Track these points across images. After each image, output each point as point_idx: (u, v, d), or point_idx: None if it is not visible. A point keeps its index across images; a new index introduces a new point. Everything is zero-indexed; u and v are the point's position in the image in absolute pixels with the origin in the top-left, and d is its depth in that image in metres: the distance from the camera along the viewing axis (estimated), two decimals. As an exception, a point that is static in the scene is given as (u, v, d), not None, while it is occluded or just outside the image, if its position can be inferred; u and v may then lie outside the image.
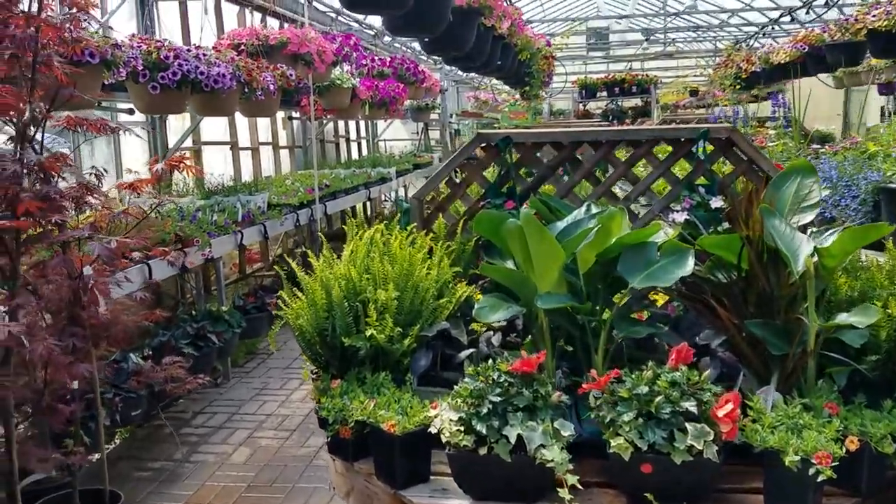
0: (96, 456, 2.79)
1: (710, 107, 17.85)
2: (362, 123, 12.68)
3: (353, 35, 6.70)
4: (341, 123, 11.63)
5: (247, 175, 7.99)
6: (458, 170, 2.83)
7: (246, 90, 4.86)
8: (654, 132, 2.76)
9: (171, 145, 6.21)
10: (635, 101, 16.32)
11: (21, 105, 2.00)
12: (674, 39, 13.00)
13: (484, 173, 2.85)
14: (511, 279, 2.19)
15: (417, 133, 13.82)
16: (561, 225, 2.31)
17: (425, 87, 10.03)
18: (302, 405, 4.36)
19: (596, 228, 2.18)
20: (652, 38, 12.16)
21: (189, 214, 4.74)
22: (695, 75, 21.67)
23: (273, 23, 7.75)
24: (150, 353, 3.99)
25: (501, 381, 1.87)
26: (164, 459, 3.66)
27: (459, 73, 20.12)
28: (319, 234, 6.56)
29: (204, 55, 4.16)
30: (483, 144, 2.70)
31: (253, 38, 5.46)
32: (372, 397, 2.08)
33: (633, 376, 1.85)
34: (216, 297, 5.11)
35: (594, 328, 2.21)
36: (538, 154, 2.76)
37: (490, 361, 1.94)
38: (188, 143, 6.62)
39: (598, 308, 2.24)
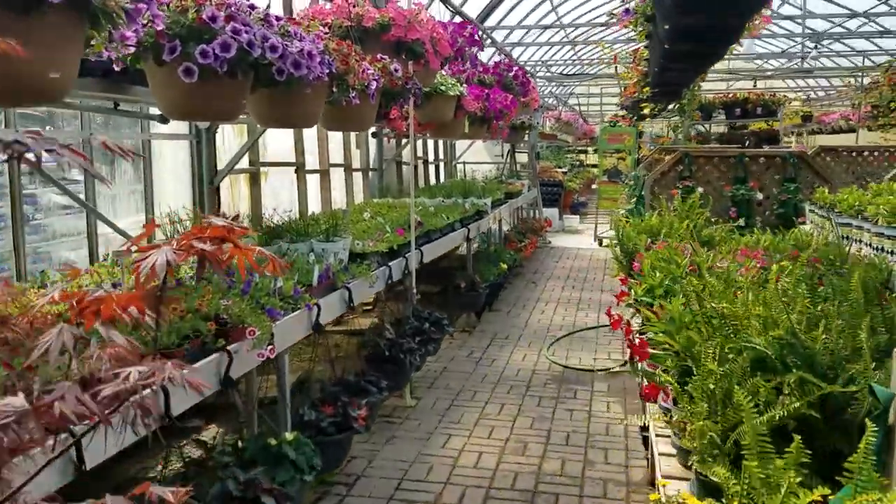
0: None
1: (812, 134, 15.54)
2: (440, 143, 10.99)
3: (470, 23, 4.96)
4: (419, 143, 9.95)
5: (314, 204, 6.31)
6: None
7: (335, 88, 3.14)
8: None
9: (221, 166, 4.55)
10: (725, 124, 14.23)
11: None
12: (816, 47, 10.94)
13: None
14: None
15: (502, 156, 12.05)
16: None
17: (525, 101, 8.30)
18: None
19: None
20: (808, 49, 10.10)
21: (241, 280, 3.01)
22: (804, 98, 19.40)
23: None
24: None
25: None
26: None
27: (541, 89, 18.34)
28: (415, 290, 4.80)
29: (277, 19, 2.44)
30: None
31: (343, 16, 3.76)
32: None
33: None
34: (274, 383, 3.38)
35: None
36: None
37: None
38: (244, 162, 4.97)
39: None
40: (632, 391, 4.84)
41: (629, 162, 12.05)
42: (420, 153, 10.02)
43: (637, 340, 2.31)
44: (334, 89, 3.23)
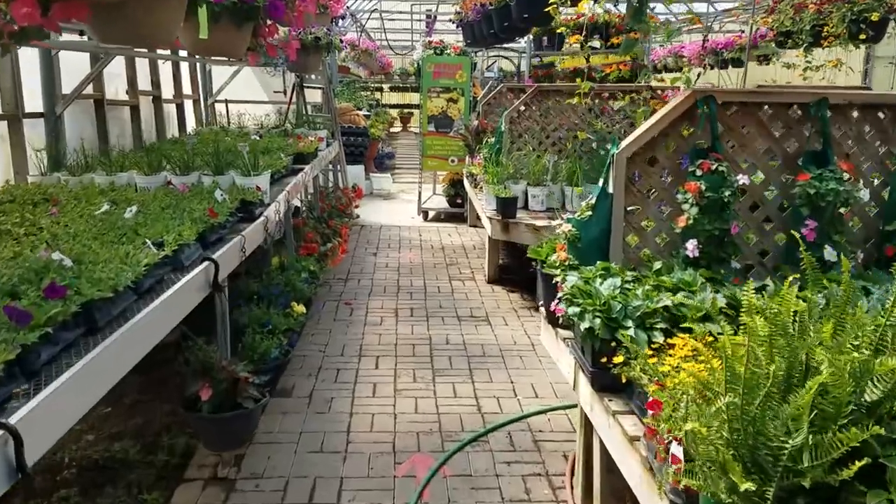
0: None
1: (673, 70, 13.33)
2: (185, 68, 6.96)
3: None
4: (143, 66, 5.91)
5: None
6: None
7: None
8: None
9: None
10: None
11: None
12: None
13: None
14: None
15: (284, 92, 8.25)
16: None
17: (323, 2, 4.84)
18: None
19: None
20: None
21: None
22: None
23: None
24: None
25: None
26: None
27: None
28: None
29: None
30: None
31: None
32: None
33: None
34: None
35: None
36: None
37: None
38: None
39: None
40: None
41: (462, 106, 8.93)
42: (146, 86, 5.99)
43: None
44: None
